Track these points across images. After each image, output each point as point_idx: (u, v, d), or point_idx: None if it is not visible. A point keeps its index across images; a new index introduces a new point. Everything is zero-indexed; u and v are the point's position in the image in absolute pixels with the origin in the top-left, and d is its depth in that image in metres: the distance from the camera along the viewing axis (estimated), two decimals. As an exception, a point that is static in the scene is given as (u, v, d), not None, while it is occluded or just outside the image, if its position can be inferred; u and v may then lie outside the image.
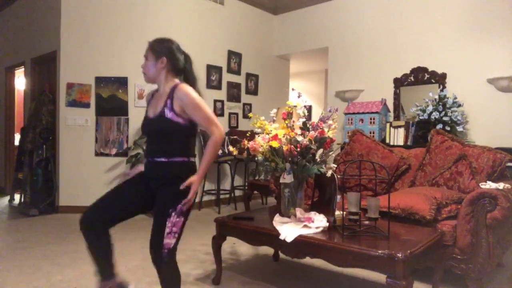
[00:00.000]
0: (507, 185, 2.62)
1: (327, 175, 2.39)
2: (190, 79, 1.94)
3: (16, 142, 6.24)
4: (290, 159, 2.41)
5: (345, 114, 5.12)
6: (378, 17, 5.31)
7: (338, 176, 2.41)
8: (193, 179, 1.79)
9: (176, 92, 1.80)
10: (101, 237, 1.81)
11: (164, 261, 1.77)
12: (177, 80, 1.89)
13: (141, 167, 1.97)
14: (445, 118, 4.24)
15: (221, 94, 5.74)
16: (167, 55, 1.87)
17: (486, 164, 2.85)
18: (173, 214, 1.76)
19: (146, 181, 1.88)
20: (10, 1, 6.31)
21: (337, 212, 2.35)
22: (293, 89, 3.07)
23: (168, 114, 1.79)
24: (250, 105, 6.21)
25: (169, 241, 1.75)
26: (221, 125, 1.84)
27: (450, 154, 3.06)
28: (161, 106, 1.81)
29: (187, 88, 1.81)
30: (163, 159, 1.81)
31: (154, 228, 1.79)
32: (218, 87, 5.68)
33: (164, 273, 1.81)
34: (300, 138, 2.38)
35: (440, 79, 4.71)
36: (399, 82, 5.08)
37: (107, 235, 1.82)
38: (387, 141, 4.70)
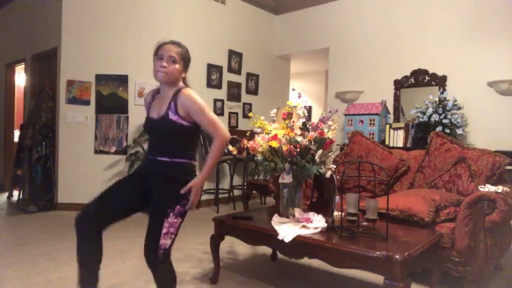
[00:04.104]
0: (506, 188, 2.63)
1: (326, 175, 2.39)
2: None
3: (16, 139, 6.23)
4: (289, 159, 2.41)
5: (345, 115, 5.13)
6: (379, 19, 5.31)
7: (337, 177, 2.41)
8: (194, 182, 1.78)
9: (180, 96, 1.81)
10: (93, 238, 1.74)
11: (159, 261, 1.75)
12: (180, 83, 1.90)
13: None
14: (445, 121, 4.24)
15: (221, 94, 5.74)
16: (188, 67, 1.93)
17: (485, 167, 2.85)
18: (171, 214, 1.74)
19: (143, 178, 1.86)
20: (11, -2, 6.31)
21: (336, 213, 2.35)
22: (293, 90, 3.08)
23: (173, 117, 1.79)
24: (250, 104, 6.21)
25: (165, 241, 1.74)
26: (225, 128, 1.84)
27: (449, 156, 3.07)
28: (165, 109, 1.82)
29: (190, 92, 1.82)
30: (165, 159, 1.82)
31: (150, 228, 1.77)
32: (219, 86, 5.68)
33: (159, 274, 1.79)
34: (299, 139, 2.38)
35: (440, 81, 4.72)
36: (399, 84, 5.08)
37: (99, 238, 1.75)
38: (387, 142, 4.70)
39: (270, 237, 2.29)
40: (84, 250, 1.74)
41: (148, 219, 1.80)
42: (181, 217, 1.79)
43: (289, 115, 2.49)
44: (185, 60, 1.88)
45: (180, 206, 1.77)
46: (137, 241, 3.51)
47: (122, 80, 4.93)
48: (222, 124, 1.85)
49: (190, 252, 3.26)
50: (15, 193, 5.49)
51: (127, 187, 1.88)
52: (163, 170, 1.81)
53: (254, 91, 6.30)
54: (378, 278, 2.07)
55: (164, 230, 1.72)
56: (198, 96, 1.83)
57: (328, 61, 5.94)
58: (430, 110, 4.36)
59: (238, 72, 6.00)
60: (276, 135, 2.44)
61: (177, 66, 1.83)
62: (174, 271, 1.85)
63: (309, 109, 2.63)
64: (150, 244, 1.75)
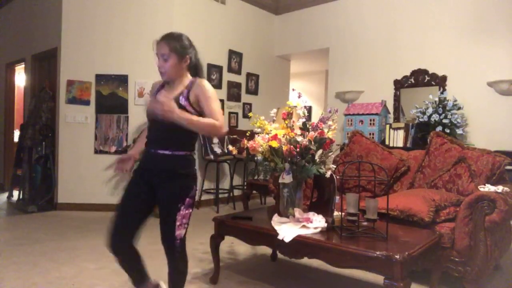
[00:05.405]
0: (506, 188, 2.63)
1: (326, 175, 2.39)
2: (198, 69, 1.94)
3: (16, 139, 6.24)
4: (289, 159, 2.40)
5: (345, 115, 5.13)
6: (379, 19, 5.31)
7: (337, 177, 2.41)
8: (171, 103, 1.65)
9: (195, 84, 1.83)
10: (130, 254, 1.88)
11: (178, 250, 1.83)
12: (190, 76, 1.91)
13: (133, 152, 2.00)
14: (445, 121, 4.24)
15: (221, 94, 5.74)
16: (189, 53, 1.88)
17: (485, 167, 2.85)
18: (182, 208, 1.80)
19: (145, 176, 1.86)
20: (11, -2, 6.31)
21: (336, 213, 2.35)
22: (293, 89, 3.07)
23: (183, 102, 1.79)
24: (250, 104, 6.21)
25: (180, 232, 1.82)
26: (224, 124, 1.80)
27: (449, 156, 3.07)
28: (177, 94, 1.82)
29: (206, 82, 1.86)
30: (166, 152, 1.81)
31: (164, 222, 1.82)
32: (219, 86, 5.68)
33: (176, 263, 1.86)
34: (299, 139, 2.38)
35: (440, 81, 4.72)
36: (399, 84, 5.08)
37: (134, 249, 1.88)
38: (387, 142, 4.70)
39: (270, 237, 2.29)
40: (126, 265, 1.90)
41: (160, 214, 1.84)
42: (191, 208, 1.85)
43: (289, 115, 2.49)
44: (177, 51, 1.82)
45: (189, 198, 1.83)
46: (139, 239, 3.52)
47: (122, 80, 4.93)
48: (223, 119, 1.80)
49: (190, 252, 3.23)
50: (15, 193, 5.49)
51: (134, 197, 1.88)
52: (165, 165, 1.81)
53: (254, 91, 6.30)
54: (378, 278, 2.08)
55: (177, 223, 1.80)
56: (213, 89, 1.86)
57: (328, 61, 5.94)
58: (430, 110, 4.36)
59: (238, 72, 6.00)
60: (276, 135, 2.44)
61: (169, 62, 1.82)
62: (187, 260, 1.93)
63: (309, 109, 2.63)
64: (166, 237, 1.82)
